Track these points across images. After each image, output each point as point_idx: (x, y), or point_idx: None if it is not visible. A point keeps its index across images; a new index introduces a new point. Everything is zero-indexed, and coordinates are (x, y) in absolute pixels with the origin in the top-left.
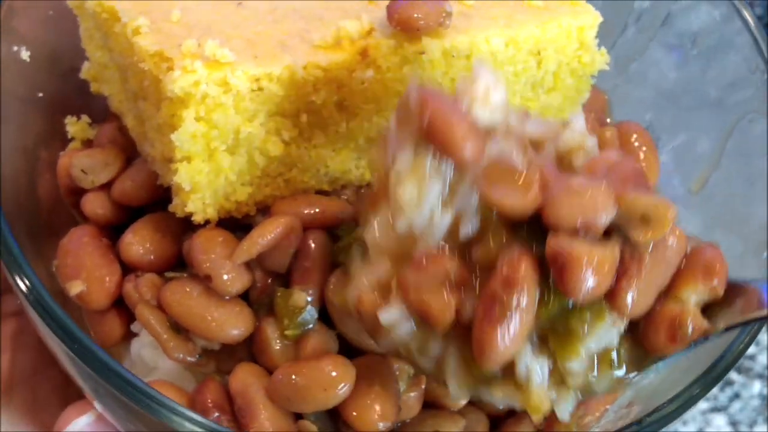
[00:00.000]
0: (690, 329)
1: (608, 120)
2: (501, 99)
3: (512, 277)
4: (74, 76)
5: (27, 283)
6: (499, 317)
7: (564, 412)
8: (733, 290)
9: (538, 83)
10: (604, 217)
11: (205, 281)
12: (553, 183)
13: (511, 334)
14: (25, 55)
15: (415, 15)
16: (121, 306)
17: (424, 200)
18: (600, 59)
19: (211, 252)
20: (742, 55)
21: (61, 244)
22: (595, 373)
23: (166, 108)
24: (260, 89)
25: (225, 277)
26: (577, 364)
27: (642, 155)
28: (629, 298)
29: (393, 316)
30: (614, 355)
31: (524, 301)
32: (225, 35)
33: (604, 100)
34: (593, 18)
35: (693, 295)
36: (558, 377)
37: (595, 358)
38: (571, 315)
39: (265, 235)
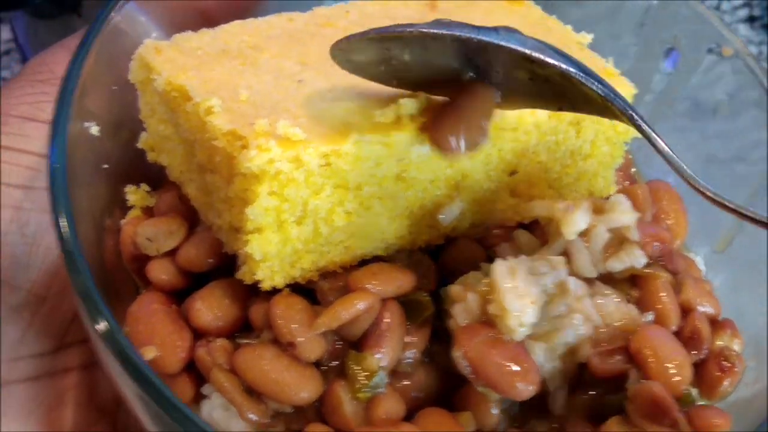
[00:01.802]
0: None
1: (633, 170)
2: (533, 313)
3: None
4: (131, 146)
5: (105, 325)
6: None
7: None
8: None
9: (577, 151)
10: None
11: (285, 347)
12: None
13: None
14: (94, 130)
15: None
16: (190, 369)
17: None
18: (633, 130)
19: (292, 320)
20: (763, 122)
21: (131, 311)
22: None
23: (240, 183)
24: (328, 164)
25: (307, 345)
26: None
27: (672, 213)
28: None
29: None
30: None
31: None
32: (291, 113)
33: (629, 159)
34: (628, 90)
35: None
36: None
37: None
38: None
39: (348, 309)
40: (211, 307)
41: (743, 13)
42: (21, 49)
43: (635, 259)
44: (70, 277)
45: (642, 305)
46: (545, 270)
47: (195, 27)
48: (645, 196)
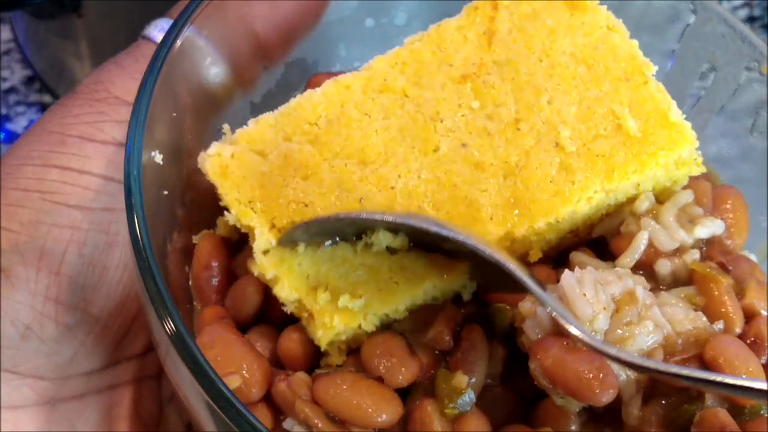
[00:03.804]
0: None
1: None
2: (604, 319)
3: None
4: (185, 170)
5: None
6: None
7: None
8: None
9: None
10: None
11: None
12: None
13: None
14: (158, 158)
15: None
16: (267, 401)
17: None
18: (696, 168)
19: (380, 356)
20: None
21: (202, 343)
22: None
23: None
24: (387, 316)
25: (399, 376)
26: None
27: (732, 215)
28: None
29: None
30: None
31: None
32: (349, 263)
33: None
34: (690, 144)
35: None
36: None
37: None
38: None
39: None
40: (300, 341)
41: (743, 13)
42: (21, 49)
43: (716, 225)
44: (143, 282)
45: (707, 312)
46: (612, 279)
47: (249, 51)
48: (706, 192)
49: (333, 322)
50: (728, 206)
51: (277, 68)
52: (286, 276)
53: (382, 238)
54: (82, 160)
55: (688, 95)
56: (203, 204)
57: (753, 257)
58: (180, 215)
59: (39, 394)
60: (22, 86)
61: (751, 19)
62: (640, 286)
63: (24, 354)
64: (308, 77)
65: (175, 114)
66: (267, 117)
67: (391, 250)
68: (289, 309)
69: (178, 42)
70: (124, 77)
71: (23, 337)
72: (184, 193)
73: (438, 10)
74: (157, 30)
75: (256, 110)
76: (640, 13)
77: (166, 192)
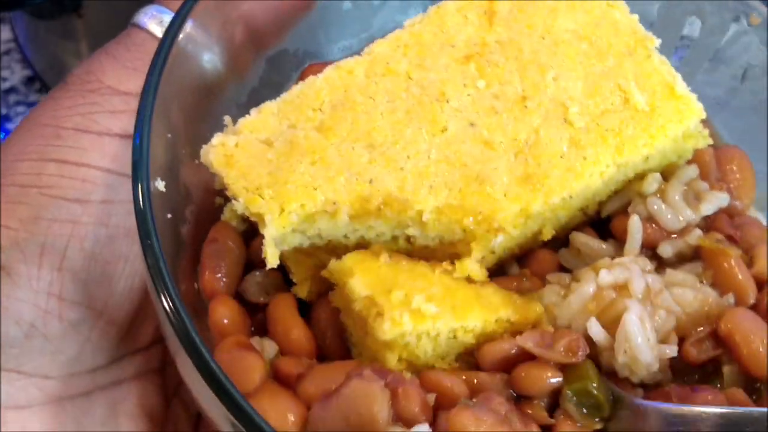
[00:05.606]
0: None
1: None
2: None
3: None
4: (182, 188)
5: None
6: None
7: None
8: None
9: (645, 169)
10: None
11: None
12: None
13: None
14: (161, 185)
15: None
16: None
17: None
18: (702, 141)
19: None
20: None
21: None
22: None
23: (371, 342)
24: (455, 338)
25: None
26: None
27: (737, 176)
28: None
29: None
30: None
31: None
32: (427, 280)
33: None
34: (697, 115)
35: None
36: None
37: None
38: None
39: None
40: None
41: None
42: (21, 49)
43: (720, 199)
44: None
45: (717, 285)
46: (625, 275)
47: (244, 41)
48: (710, 161)
49: (402, 319)
50: (733, 167)
51: (259, 64)
52: (365, 274)
53: (469, 267)
54: (79, 153)
55: (674, 48)
56: (204, 217)
57: (762, 218)
58: (183, 233)
59: (45, 393)
60: (22, 86)
61: None
62: (649, 275)
63: (28, 353)
64: (291, 69)
65: (170, 135)
66: (269, 105)
67: (469, 280)
68: (357, 305)
69: (174, 48)
70: (115, 66)
71: (27, 335)
72: (185, 210)
73: None
74: (147, 17)
75: (243, 110)
76: None
77: (170, 215)
